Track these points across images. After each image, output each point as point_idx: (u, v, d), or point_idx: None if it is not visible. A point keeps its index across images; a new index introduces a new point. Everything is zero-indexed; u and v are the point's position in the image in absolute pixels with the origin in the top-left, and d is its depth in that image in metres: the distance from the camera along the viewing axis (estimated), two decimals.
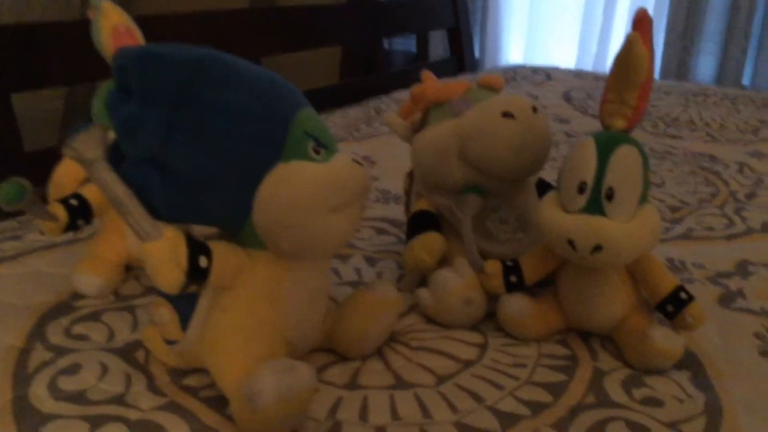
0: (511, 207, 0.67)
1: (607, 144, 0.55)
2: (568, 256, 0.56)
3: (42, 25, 1.13)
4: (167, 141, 0.45)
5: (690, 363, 0.58)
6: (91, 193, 0.62)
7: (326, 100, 1.62)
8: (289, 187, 0.47)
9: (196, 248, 0.46)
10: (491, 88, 0.68)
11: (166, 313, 0.51)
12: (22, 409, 0.49)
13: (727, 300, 0.69)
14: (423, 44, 2.54)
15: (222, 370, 0.48)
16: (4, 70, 1.04)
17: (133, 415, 0.49)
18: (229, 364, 0.48)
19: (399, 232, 0.82)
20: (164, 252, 0.45)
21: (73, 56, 1.08)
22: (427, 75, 0.72)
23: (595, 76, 1.85)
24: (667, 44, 2.31)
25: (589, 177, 0.54)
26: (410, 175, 0.74)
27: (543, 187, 0.71)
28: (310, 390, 0.45)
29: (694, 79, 2.30)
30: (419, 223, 0.67)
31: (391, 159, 1.08)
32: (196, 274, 0.46)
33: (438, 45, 2.59)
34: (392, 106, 1.45)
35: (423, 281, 0.68)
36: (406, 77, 1.86)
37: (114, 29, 0.63)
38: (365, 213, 0.82)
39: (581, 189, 0.55)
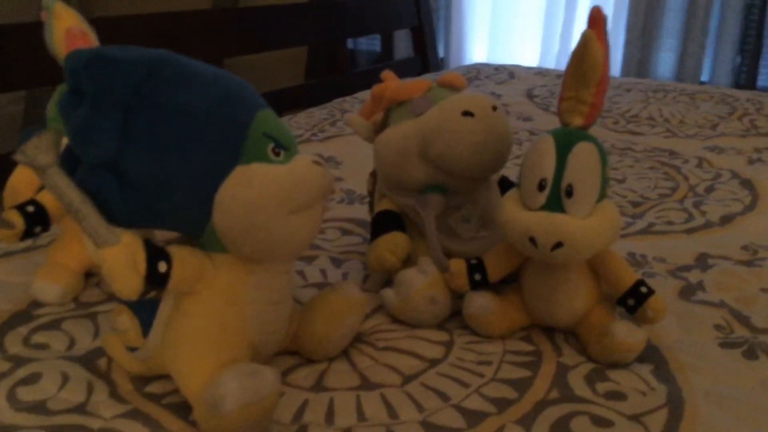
0: (473, 205, 0.68)
1: (565, 141, 0.55)
2: (530, 253, 0.57)
3: (1, 27, 1.11)
4: (122, 145, 0.45)
5: (652, 356, 0.59)
6: (48, 199, 0.61)
7: (291, 101, 1.61)
8: (248, 189, 0.47)
9: (155, 253, 0.46)
10: (452, 87, 0.68)
11: (126, 320, 0.50)
12: None
13: (687, 293, 0.71)
14: (388, 44, 2.55)
15: (185, 375, 0.48)
16: None
17: (95, 423, 0.48)
18: (192, 370, 0.47)
19: (364, 233, 0.82)
20: (121, 258, 0.44)
21: (33, 59, 1.06)
22: (387, 74, 0.72)
23: (557, 74, 1.86)
24: (627, 42, 2.35)
25: (549, 174, 0.55)
26: (373, 175, 0.74)
27: (505, 185, 0.71)
28: (275, 394, 0.45)
29: (653, 76, 2.33)
30: (383, 222, 0.67)
31: (356, 159, 1.08)
32: (155, 280, 0.45)
33: (402, 44, 2.61)
34: (357, 106, 1.45)
35: (388, 281, 0.68)
36: (371, 77, 1.87)
37: (67, 32, 0.62)
38: (329, 214, 0.82)
39: (541, 186, 0.55)
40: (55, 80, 0.61)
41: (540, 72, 1.87)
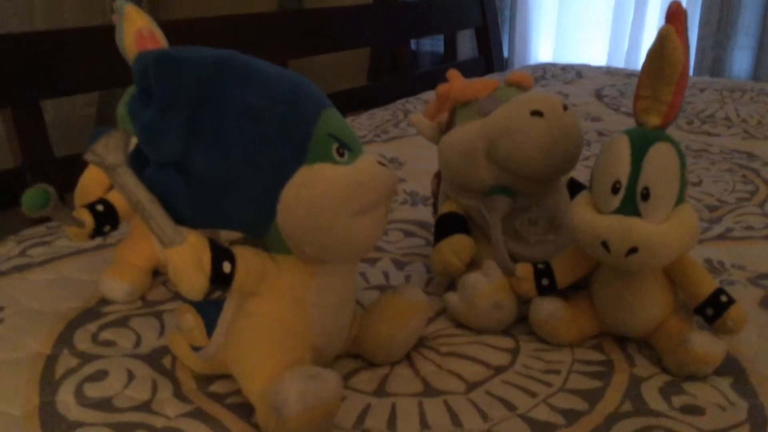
0: (540, 208, 0.66)
1: (641, 141, 0.53)
2: (603, 258, 0.54)
3: (72, 31, 1.14)
4: (189, 144, 0.45)
5: (731, 368, 0.56)
6: (117, 198, 0.62)
7: (354, 102, 1.61)
8: (313, 190, 0.46)
9: (220, 253, 0.46)
10: (519, 87, 0.66)
11: (191, 319, 0.50)
12: (49, 416, 0.49)
13: None
14: (451, 45, 2.52)
15: (247, 377, 0.47)
16: (34, 76, 1.05)
17: (158, 422, 0.48)
18: (255, 371, 0.47)
19: (427, 235, 0.81)
20: (187, 257, 0.44)
21: (103, 62, 1.09)
22: (453, 74, 0.71)
23: (627, 73, 1.81)
24: (701, 39, 2.26)
25: (624, 176, 0.53)
26: (437, 177, 0.73)
27: (575, 188, 0.69)
28: (337, 398, 0.44)
29: (729, 75, 2.24)
30: (447, 225, 0.66)
31: (419, 161, 1.06)
32: (220, 280, 0.45)
33: (466, 45, 2.57)
34: (420, 107, 1.43)
35: (451, 285, 0.67)
36: (434, 78, 1.85)
37: (137, 33, 0.63)
38: (392, 215, 0.81)
39: (615, 189, 0.53)
40: (125, 82, 0.63)
41: (609, 71, 1.82)
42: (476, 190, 0.64)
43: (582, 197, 0.56)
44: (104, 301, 0.64)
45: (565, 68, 1.84)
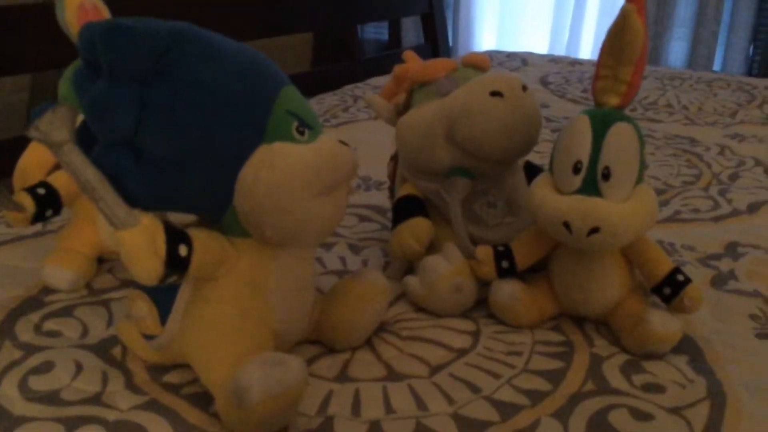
0: (499, 190, 0.65)
1: (602, 121, 0.53)
2: (564, 239, 0.54)
3: (5, 9, 1.08)
4: (140, 121, 0.42)
5: (687, 347, 0.57)
6: (59, 181, 0.59)
7: (298, 87, 1.58)
8: (272, 170, 0.44)
9: (175, 236, 0.43)
10: (477, 67, 0.65)
11: (143, 307, 0.48)
12: None
13: (719, 282, 0.68)
14: (395, 32, 2.51)
15: (206, 365, 0.45)
16: None
17: (111, 415, 0.46)
18: (214, 360, 0.45)
19: (383, 219, 0.80)
20: (141, 240, 0.42)
21: (37, 41, 1.04)
22: (409, 55, 0.70)
23: (570, 61, 1.83)
24: None
25: (585, 156, 0.53)
26: (394, 160, 0.72)
27: (531, 170, 0.69)
28: (301, 385, 0.43)
29: (665, 65, 2.30)
30: (405, 208, 0.65)
31: (371, 146, 1.05)
32: (176, 264, 0.43)
33: (410, 33, 2.57)
34: (369, 92, 1.42)
35: (410, 269, 0.66)
36: (380, 65, 1.83)
37: (80, 7, 0.59)
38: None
39: (576, 169, 0.53)
40: (60, 64, 0.59)
41: (553, 59, 1.84)
42: (435, 171, 0.63)
43: (542, 178, 0.56)
44: (47, 290, 0.61)
45: (510, 56, 1.85)
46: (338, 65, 1.81)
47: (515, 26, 2.56)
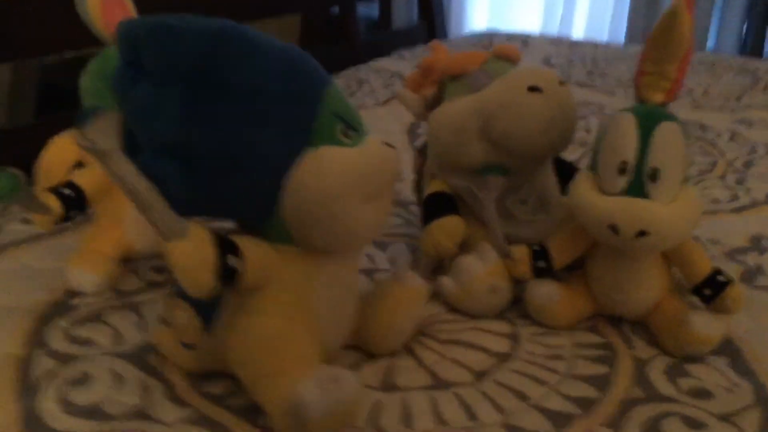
0: (531, 187, 0.64)
1: (648, 120, 0.52)
2: (609, 241, 0.53)
3: None
4: (186, 125, 0.40)
5: (724, 348, 0.56)
6: (84, 180, 0.57)
7: None
8: (320, 176, 0.43)
9: (225, 246, 0.42)
10: (509, 59, 0.64)
11: (184, 316, 0.47)
12: (33, 426, 0.44)
13: (748, 278, 0.68)
14: (386, 9, 2.47)
15: (256, 380, 0.44)
16: None
17: (157, 429, 0.44)
18: (264, 375, 0.43)
19: (405, 213, 0.78)
20: (191, 252, 0.40)
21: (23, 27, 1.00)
22: (437, 46, 0.68)
23: (569, 43, 1.82)
24: (633, 8, 2.30)
25: (631, 156, 0.51)
26: (421, 153, 0.70)
27: (560, 166, 0.67)
28: (359, 400, 0.42)
29: None
30: (436, 205, 0.64)
31: (382, 134, 1.03)
32: (227, 276, 0.41)
33: (401, 10, 2.53)
34: (372, 76, 1.40)
35: (438, 266, 0.65)
36: (375, 46, 1.79)
37: (102, 1, 0.57)
38: None
39: (622, 170, 0.52)
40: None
41: (553, 41, 1.82)
42: (467, 168, 0.62)
43: (584, 178, 0.55)
44: (72, 293, 0.59)
45: (511, 37, 1.83)
46: (330, 48, 1.76)
47: (507, 4, 2.54)
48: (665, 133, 0.51)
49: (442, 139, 0.62)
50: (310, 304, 0.46)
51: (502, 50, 0.64)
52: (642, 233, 0.51)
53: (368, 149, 0.45)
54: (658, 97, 0.53)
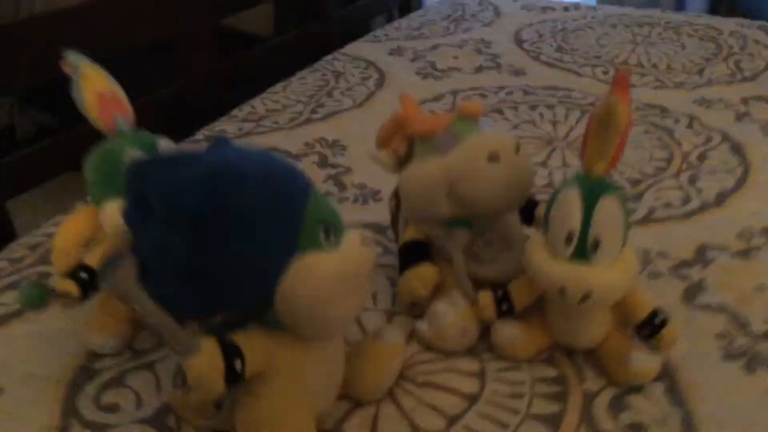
0: (494, 230, 0.72)
1: (590, 195, 0.59)
2: (560, 300, 0.61)
3: None
4: (191, 254, 0.48)
5: (663, 374, 0.65)
6: (95, 261, 0.64)
7: (265, 60, 1.58)
8: (307, 283, 0.50)
9: (230, 353, 0.50)
10: (472, 118, 0.70)
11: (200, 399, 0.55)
12: None
13: (690, 295, 0.76)
14: None
15: None
16: None
17: None
18: None
19: (383, 240, 0.86)
20: (204, 366, 0.48)
21: None
22: (406, 100, 0.74)
23: (542, 6, 1.85)
24: None
25: (576, 227, 0.59)
26: (396, 196, 0.77)
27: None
28: None
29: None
30: (411, 253, 0.72)
31: (361, 142, 1.09)
32: (235, 379, 0.50)
33: None
34: (348, 65, 1.44)
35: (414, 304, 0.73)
36: (348, 22, 1.80)
37: (100, 97, 0.63)
38: (347, 217, 0.86)
39: (569, 239, 0.59)
40: None
41: (524, 6, 1.85)
42: (437, 221, 0.70)
43: (537, 240, 0.63)
44: (94, 356, 0.67)
45: (482, 4, 1.86)
46: (303, 30, 1.76)
47: None
48: (605, 208, 0.59)
49: (413, 197, 0.69)
50: (304, 382, 0.55)
51: (464, 109, 0.70)
52: (586, 297, 0.59)
53: (347, 253, 0.53)
54: (600, 169, 0.60)
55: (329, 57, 1.49)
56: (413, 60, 1.47)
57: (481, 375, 0.66)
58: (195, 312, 0.49)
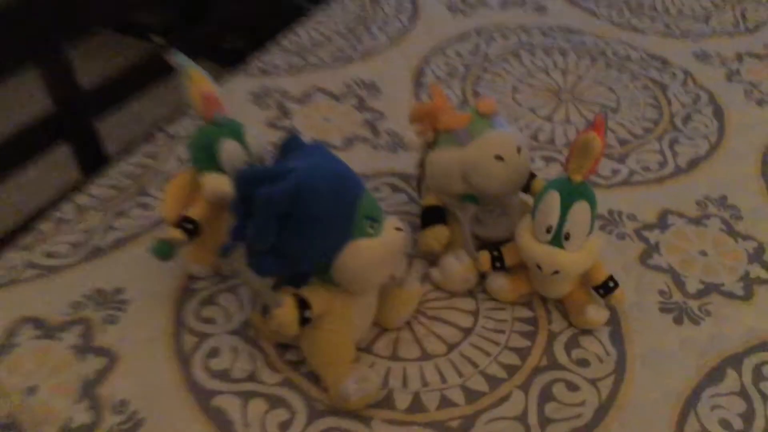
0: (496, 203, 0.93)
1: (567, 199, 0.80)
2: (536, 272, 0.84)
3: None
4: (280, 239, 0.70)
5: (612, 318, 0.89)
6: (195, 213, 0.85)
7: None
8: (356, 261, 0.72)
9: (302, 305, 0.73)
10: (487, 116, 0.89)
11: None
12: (193, 386, 0.79)
13: (645, 256, 0.98)
14: None
15: (319, 367, 0.78)
16: None
17: (264, 390, 0.79)
18: (323, 365, 0.77)
19: (408, 189, 1.06)
20: (286, 315, 0.72)
21: None
22: (437, 93, 0.92)
23: None
24: None
25: (554, 222, 0.80)
26: (422, 165, 0.97)
27: None
28: (378, 391, 0.76)
29: None
30: (430, 216, 0.93)
31: (397, 86, 1.27)
32: (305, 322, 0.73)
33: None
34: None
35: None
36: None
37: (204, 97, 0.82)
38: (377, 164, 1.06)
39: (548, 229, 0.81)
40: None
41: None
42: (452, 194, 0.91)
43: (527, 224, 0.84)
44: (192, 279, 0.91)
45: None
46: None
47: None
48: (577, 211, 0.79)
49: (435, 176, 0.90)
50: (349, 320, 0.78)
51: (480, 107, 0.89)
52: (555, 272, 0.81)
53: (387, 239, 0.74)
54: (577, 179, 0.80)
55: None
56: None
57: (476, 313, 0.90)
58: (277, 273, 0.72)
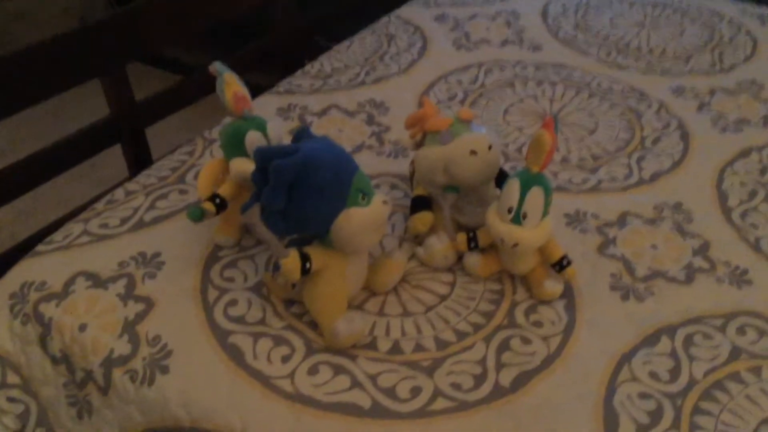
0: (474, 193, 1.11)
1: (525, 185, 0.97)
2: (501, 247, 1.01)
3: None
4: (287, 203, 0.88)
5: (568, 293, 1.05)
6: (224, 191, 1.04)
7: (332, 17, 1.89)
8: (349, 224, 0.90)
9: (304, 258, 0.91)
10: (465, 121, 1.08)
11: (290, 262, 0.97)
12: (214, 327, 0.97)
13: (603, 246, 1.15)
14: None
15: (317, 314, 0.95)
16: None
17: (271, 331, 0.97)
18: (320, 312, 0.95)
19: (405, 187, 1.25)
20: (291, 264, 0.90)
21: None
22: (427, 103, 1.11)
23: None
24: None
25: (514, 204, 0.98)
26: (412, 164, 1.16)
27: (499, 174, 1.13)
28: (364, 332, 0.93)
29: None
30: (418, 203, 1.11)
31: (402, 106, 1.47)
32: (305, 272, 0.91)
33: None
34: (400, 30, 1.79)
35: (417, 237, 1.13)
36: None
37: (234, 95, 1.02)
38: (382, 167, 1.24)
39: (509, 210, 0.98)
40: None
41: None
42: (435, 186, 1.09)
43: (495, 208, 1.02)
44: (218, 248, 1.09)
45: None
46: None
47: None
48: (534, 195, 0.97)
49: (421, 170, 1.09)
50: (343, 276, 0.96)
51: (461, 115, 1.08)
52: (515, 245, 0.99)
53: (374, 209, 0.92)
54: (534, 169, 0.98)
55: (386, 19, 1.84)
56: (452, 29, 1.80)
57: (453, 284, 1.07)
58: (286, 233, 0.91)
